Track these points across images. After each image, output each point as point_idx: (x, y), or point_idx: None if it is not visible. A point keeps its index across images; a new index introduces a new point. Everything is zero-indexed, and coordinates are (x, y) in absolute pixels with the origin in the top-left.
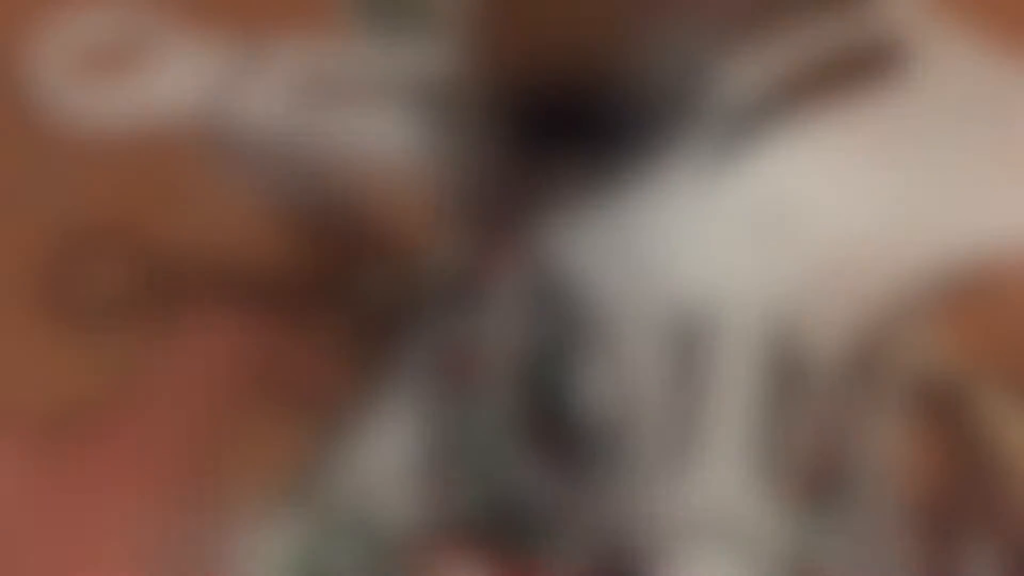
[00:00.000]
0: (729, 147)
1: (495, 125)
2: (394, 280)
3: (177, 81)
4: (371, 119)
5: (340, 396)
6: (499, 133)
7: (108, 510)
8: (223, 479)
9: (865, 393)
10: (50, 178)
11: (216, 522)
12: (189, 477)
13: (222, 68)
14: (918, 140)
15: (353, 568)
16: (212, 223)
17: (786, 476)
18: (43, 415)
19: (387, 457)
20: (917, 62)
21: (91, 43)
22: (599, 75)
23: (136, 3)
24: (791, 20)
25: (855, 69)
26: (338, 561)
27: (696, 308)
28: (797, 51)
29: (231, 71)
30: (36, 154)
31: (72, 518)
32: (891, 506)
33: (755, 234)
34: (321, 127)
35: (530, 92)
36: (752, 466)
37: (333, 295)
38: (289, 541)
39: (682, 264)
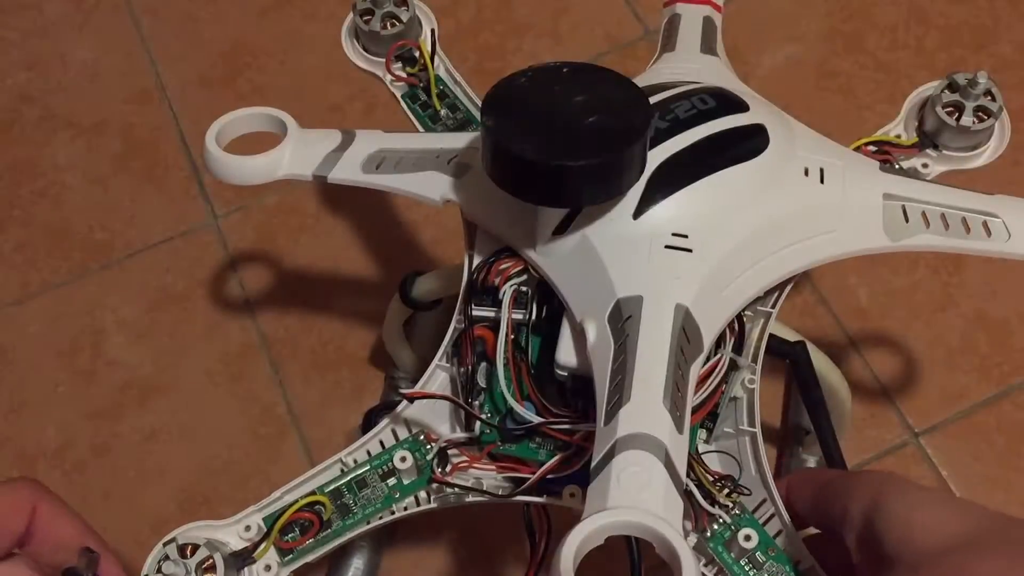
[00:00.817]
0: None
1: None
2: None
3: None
4: (418, 177)
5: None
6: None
7: None
8: None
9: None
10: None
11: None
12: None
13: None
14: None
15: None
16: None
17: (683, 399)
18: None
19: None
20: None
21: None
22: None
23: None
24: None
25: None
26: None
27: (629, 300)
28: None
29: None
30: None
31: None
32: (750, 415)
33: (665, 259)
34: (380, 184)
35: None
36: (663, 394)
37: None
38: None
39: (617, 274)
